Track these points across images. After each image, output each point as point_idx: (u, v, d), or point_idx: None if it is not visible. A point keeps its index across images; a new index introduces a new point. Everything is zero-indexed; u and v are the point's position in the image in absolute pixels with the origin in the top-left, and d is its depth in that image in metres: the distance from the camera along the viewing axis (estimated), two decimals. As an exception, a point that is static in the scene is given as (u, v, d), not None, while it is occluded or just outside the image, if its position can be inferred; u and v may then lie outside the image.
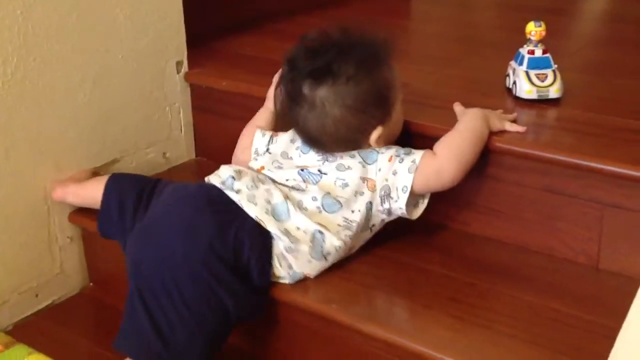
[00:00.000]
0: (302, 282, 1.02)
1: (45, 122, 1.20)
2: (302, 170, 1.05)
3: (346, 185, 1.02)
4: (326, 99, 1.01)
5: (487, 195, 1.11)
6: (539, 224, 1.07)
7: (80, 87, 1.24)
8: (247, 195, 1.01)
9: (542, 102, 1.15)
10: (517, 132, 1.06)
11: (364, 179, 1.02)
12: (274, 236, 0.99)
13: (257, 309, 1.02)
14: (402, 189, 1.01)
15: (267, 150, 1.11)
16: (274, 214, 1.00)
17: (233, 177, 1.03)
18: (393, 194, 1.02)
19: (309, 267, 1.00)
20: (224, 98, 1.39)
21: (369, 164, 1.03)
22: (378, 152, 1.03)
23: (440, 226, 1.16)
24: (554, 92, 1.15)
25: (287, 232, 0.99)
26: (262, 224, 0.99)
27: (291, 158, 1.08)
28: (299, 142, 1.08)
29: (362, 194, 1.02)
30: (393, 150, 1.03)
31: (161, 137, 1.40)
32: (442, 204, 1.15)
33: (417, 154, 1.02)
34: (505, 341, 0.89)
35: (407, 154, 1.03)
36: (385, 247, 1.09)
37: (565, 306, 0.95)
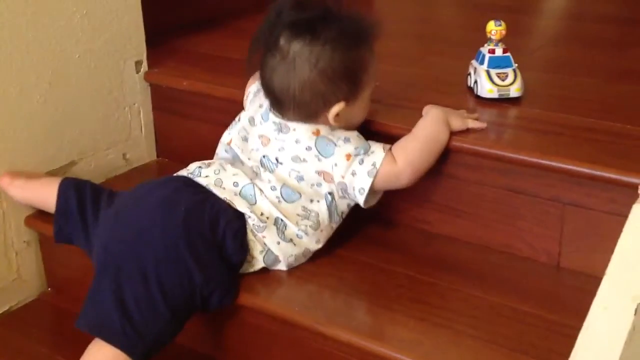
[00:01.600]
0: (263, 284, 1.01)
1: (-1, 124, 1.17)
2: (263, 156, 1.04)
3: (301, 178, 1.02)
4: (299, 55, 0.99)
5: (449, 194, 1.11)
6: (500, 223, 1.08)
7: (35, 87, 1.21)
8: (215, 180, 1.03)
9: (503, 101, 1.16)
10: (480, 129, 1.06)
11: (319, 172, 1.02)
12: (245, 215, 0.99)
13: (227, 293, 0.99)
14: (359, 190, 1.01)
15: (239, 119, 1.11)
16: (243, 196, 1.01)
17: (200, 167, 1.06)
18: (350, 192, 1.02)
19: (278, 249, 1.00)
20: (185, 98, 1.38)
21: (325, 157, 1.01)
22: (335, 145, 1.01)
23: (403, 226, 1.16)
24: (514, 91, 1.16)
25: (255, 212, 1.00)
26: (232, 204, 1.00)
27: (255, 125, 1.07)
28: (264, 106, 1.07)
29: (319, 185, 1.02)
30: (351, 147, 1.01)
31: (121, 138, 1.38)
32: (405, 203, 1.15)
33: (378, 156, 1.01)
34: (467, 341, 0.89)
35: (367, 153, 1.01)
36: (347, 248, 1.09)
37: (527, 305, 0.95)
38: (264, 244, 1.01)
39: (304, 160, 1.02)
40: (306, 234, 1.02)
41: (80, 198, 1.11)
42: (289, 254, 1.02)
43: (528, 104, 1.16)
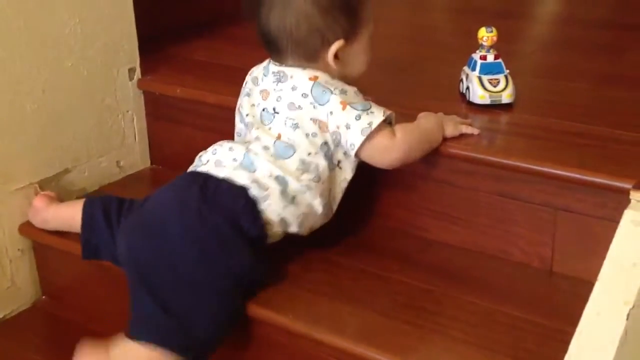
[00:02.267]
0: (258, 291, 1.01)
1: (-8, 132, 1.17)
2: (263, 110, 1.04)
3: (296, 126, 1.01)
4: None
5: (443, 200, 1.12)
6: (493, 229, 1.08)
7: (28, 95, 1.21)
8: (215, 161, 1.03)
9: (495, 107, 1.16)
10: (473, 135, 1.07)
11: (314, 120, 1.01)
12: (246, 187, 0.99)
13: (260, 267, 1.00)
14: (350, 146, 1.00)
15: (245, 83, 1.11)
16: (243, 167, 1.01)
17: (200, 155, 1.06)
18: (343, 144, 1.01)
19: (285, 212, 1.00)
20: (178, 105, 1.38)
21: (320, 105, 1.00)
22: (331, 93, 1.00)
23: (397, 232, 1.16)
24: (506, 97, 1.16)
25: (256, 181, 0.99)
26: (232, 181, 0.99)
27: (258, 84, 1.07)
28: (264, 64, 1.07)
29: (314, 135, 1.01)
30: (348, 96, 1.00)
31: (114, 145, 1.38)
32: (399, 210, 1.16)
33: (376, 118, 0.99)
34: (460, 347, 0.89)
35: (365, 111, 0.99)
36: (342, 255, 1.09)
37: (520, 310, 0.96)
38: (272, 211, 1.00)
39: (299, 107, 1.01)
40: (309, 188, 1.00)
41: (106, 210, 1.11)
42: (297, 214, 1.01)
43: (520, 110, 1.16)
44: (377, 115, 1.00)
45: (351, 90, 1.03)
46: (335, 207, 1.07)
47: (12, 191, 1.21)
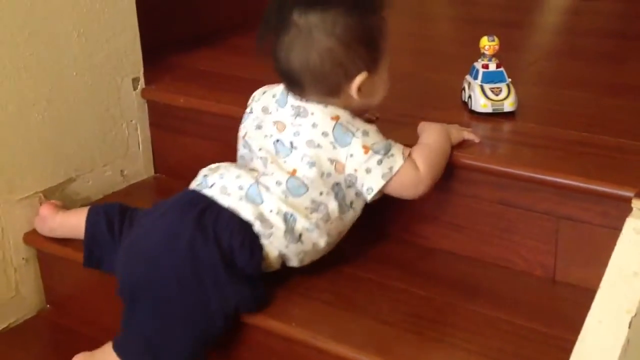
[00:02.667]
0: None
1: (-3, 142, 1.18)
2: (277, 141, 1.02)
3: (313, 164, 0.99)
4: (315, 25, 0.97)
5: (445, 208, 1.12)
6: (496, 237, 1.08)
7: (33, 105, 1.22)
8: (220, 187, 1.01)
9: (498, 116, 1.17)
10: (474, 141, 1.08)
11: (332, 161, 0.99)
12: (250, 223, 0.98)
13: (254, 299, 1.00)
14: (368, 190, 1.00)
15: (251, 110, 1.09)
16: (249, 199, 0.99)
17: (206, 175, 1.04)
18: (357, 186, 1.01)
19: (287, 251, 0.99)
20: (182, 114, 1.38)
21: (340, 146, 0.99)
22: (353, 136, 0.99)
23: (399, 240, 1.16)
24: (508, 106, 1.17)
25: (261, 216, 0.98)
26: (236, 212, 0.98)
27: (270, 113, 1.05)
28: (278, 95, 1.06)
29: (329, 175, 0.99)
30: (370, 141, 0.99)
31: (118, 154, 1.39)
32: (401, 217, 1.16)
33: (397, 161, 0.99)
34: (462, 355, 0.89)
35: (387, 154, 0.99)
36: (344, 263, 1.09)
37: (522, 319, 0.96)
38: (273, 248, 0.99)
39: (319, 145, 0.99)
40: (317, 227, 0.99)
41: (110, 221, 1.11)
42: (298, 251, 1.01)
43: (522, 119, 1.17)
44: (398, 159, 1.00)
45: (372, 130, 1.01)
46: (339, 241, 1.06)
47: (16, 200, 1.22)
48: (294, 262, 1.02)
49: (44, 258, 1.26)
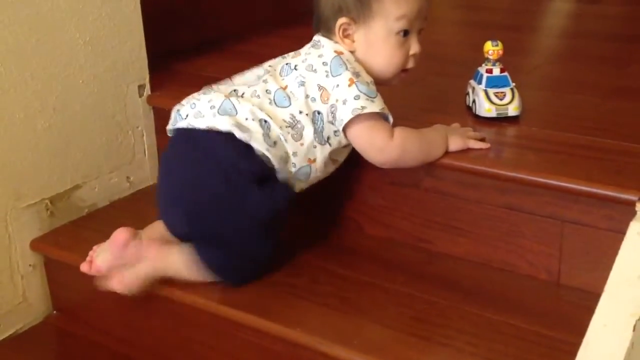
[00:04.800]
0: (265, 305, 1.02)
1: (4, 149, 1.18)
2: (286, 64, 1.09)
3: (302, 84, 1.05)
4: None
5: (449, 213, 1.12)
6: (500, 241, 1.08)
7: (40, 113, 1.23)
8: (195, 113, 1.06)
9: (502, 120, 1.17)
10: (481, 150, 1.08)
11: (320, 87, 1.05)
12: (231, 131, 1.02)
13: (282, 197, 1.04)
14: (340, 121, 1.04)
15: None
16: (222, 113, 1.04)
17: (178, 110, 1.10)
18: (336, 118, 1.04)
19: (270, 154, 1.03)
20: (187, 120, 1.39)
21: (332, 76, 1.04)
22: (346, 68, 1.04)
23: (404, 244, 1.17)
24: (512, 110, 1.17)
25: (238, 124, 1.02)
26: (215, 128, 1.03)
27: (285, 56, 1.13)
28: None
29: (313, 100, 1.05)
30: (360, 78, 1.04)
31: (124, 161, 1.39)
32: (405, 222, 1.16)
33: (373, 107, 1.02)
34: (467, 359, 0.90)
35: (367, 95, 1.03)
36: (348, 268, 1.10)
37: (527, 322, 0.96)
38: (257, 150, 1.03)
39: (315, 70, 1.06)
40: (285, 140, 1.04)
41: None
42: (278, 156, 1.04)
43: (526, 123, 1.17)
44: (375, 105, 1.03)
45: (366, 77, 1.06)
46: (314, 178, 1.09)
47: (23, 207, 1.23)
48: (277, 171, 1.05)
49: (50, 265, 1.27)
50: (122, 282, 1.05)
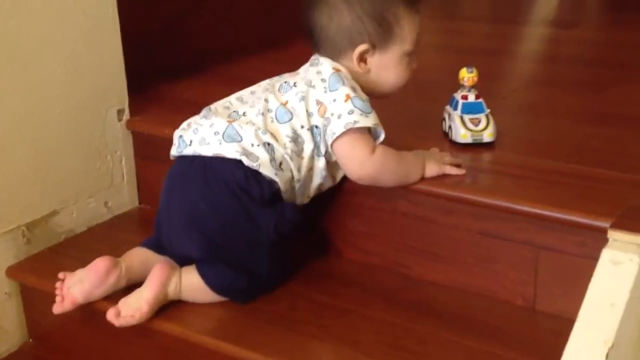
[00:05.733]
0: (242, 332, 1.02)
1: (-19, 176, 1.18)
2: (285, 82, 1.11)
3: (302, 99, 1.07)
4: None
5: (427, 239, 1.13)
6: (477, 267, 1.09)
7: (18, 140, 1.22)
8: (199, 140, 1.08)
9: (477, 146, 1.18)
10: (457, 175, 1.09)
11: (318, 102, 1.07)
12: (239, 159, 1.04)
13: (286, 222, 1.06)
14: (332, 134, 1.06)
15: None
16: (228, 140, 1.05)
17: (181, 136, 1.11)
18: (328, 132, 1.06)
19: (278, 179, 1.05)
20: (167, 145, 1.37)
21: (330, 91, 1.07)
22: (343, 84, 1.07)
23: (382, 269, 1.17)
24: (487, 136, 1.18)
25: (245, 151, 1.04)
26: (222, 155, 1.05)
27: (282, 75, 1.15)
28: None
29: (311, 114, 1.07)
30: (352, 92, 1.06)
31: (103, 186, 1.39)
32: (383, 247, 1.17)
33: (366, 121, 1.05)
34: (444, 388, 0.90)
35: (361, 111, 1.05)
36: (327, 294, 1.10)
37: (504, 349, 0.97)
38: (269, 177, 1.05)
39: (313, 86, 1.08)
40: (290, 158, 1.06)
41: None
42: (284, 180, 1.06)
43: (501, 148, 1.18)
44: (368, 120, 1.05)
45: (361, 94, 1.08)
46: (310, 192, 1.12)
47: (-1, 234, 1.22)
48: (285, 194, 1.08)
49: (27, 292, 1.26)
50: (121, 315, 1.04)
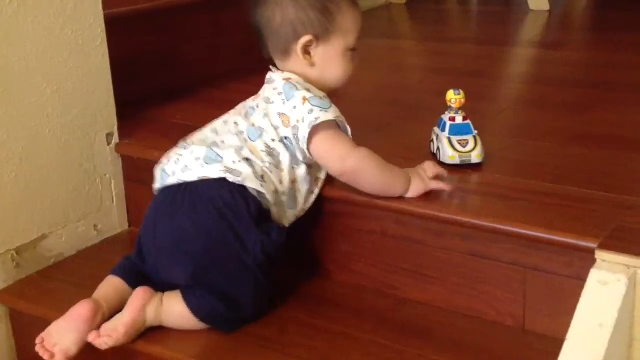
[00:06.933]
0: (232, 357, 1.02)
1: (-31, 200, 1.18)
2: (250, 107, 1.14)
3: (265, 116, 1.10)
4: None
5: (416, 260, 1.13)
6: (466, 288, 1.10)
7: (6, 163, 1.22)
8: (181, 168, 1.10)
9: (465, 167, 1.19)
10: (443, 194, 1.10)
11: (280, 114, 1.09)
12: (224, 176, 1.05)
13: (271, 243, 1.06)
14: (302, 138, 1.08)
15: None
16: (209, 162, 1.07)
17: (163, 170, 1.13)
18: (300, 138, 1.08)
19: (263, 189, 1.06)
20: (156, 168, 1.39)
21: (287, 100, 1.09)
22: (297, 90, 1.09)
23: (371, 291, 1.17)
24: (475, 157, 1.19)
25: (228, 169, 1.06)
26: (207, 177, 1.06)
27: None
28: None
29: (277, 128, 1.09)
30: (308, 93, 1.09)
31: (92, 209, 1.39)
32: (373, 268, 1.17)
33: (326, 115, 1.07)
34: (435, 410, 0.90)
35: (319, 107, 1.08)
36: (316, 316, 1.10)
37: (493, 370, 0.97)
38: (255, 190, 1.06)
39: (272, 102, 1.11)
40: (270, 171, 1.08)
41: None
42: (270, 191, 1.07)
43: (488, 169, 1.19)
44: (328, 114, 1.08)
45: (317, 92, 1.11)
46: (302, 203, 1.13)
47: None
48: (272, 206, 1.09)
49: (16, 317, 1.25)
50: (100, 335, 1.03)
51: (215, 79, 1.77)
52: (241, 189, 1.06)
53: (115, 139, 1.41)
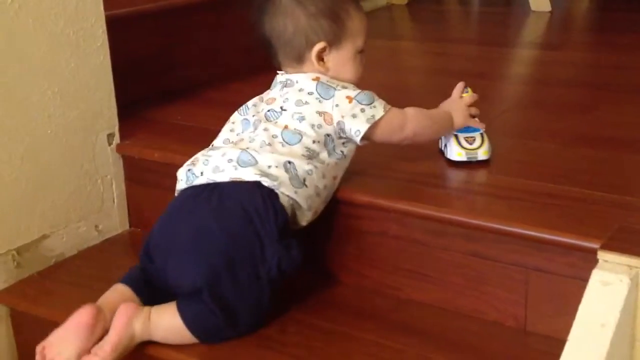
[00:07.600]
0: (232, 356, 1.02)
1: (-30, 200, 1.18)
2: (268, 110, 1.12)
3: (302, 118, 1.09)
4: None
5: (417, 260, 1.13)
6: (467, 288, 1.09)
7: (7, 164, 1.22)
8: (212, 169, 1.08)
9: (472, 164, 1.19)
10: (443, 196, 1.12)
11: (320, 113, 1.09)
12: (259, 180, 1.04)
13: (290, 258, 1.04)
14: (356, 132, 1.09)
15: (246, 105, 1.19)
16: (244, 165, 1.06)
17: (190, 170, 1.11)
18: (347, 131, 1.10)
19: (297, 196, 1.05)
20: (157, 169, 1.39)
21: (325, 99, 1.10)
22: (335, 89, 1.10)
23: (372, 291, 1.17)
24: (482, 154, 1.20)
25: (264, 173, 1.05)
26: (241, 178, 1.05)
27: (262, 99, 1.17)
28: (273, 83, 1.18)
29: (319, 126, 1.09)
30: (351, 91, 1.11)
31: (93, 209, 1.39)
32: (373, 269, 1.17)
33: (379, 111, 1.11)
34: (436, 411, 0.90)
35: (369, 105, 1.11)
36: (316, 316, 1.10)
37: (495, 371, 0.97)
38: (284, 198, 1.05)
39: (306, 102, 1.10)
40: (316, 169, 1.07)
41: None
42: (306, 196, 1.07)
43: (492, 170, 1.19)
44: (379, 110, 1.11)
45: (350, 85, 1.13)
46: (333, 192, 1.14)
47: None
48: (305, 210, 1.07)
49: (17, 317, 1.25)
50: (90, 352, 1.00)
51: (216, 79, 1.77)
52: (273, 196, 1.04)
53: (117, 139, 1.41)
